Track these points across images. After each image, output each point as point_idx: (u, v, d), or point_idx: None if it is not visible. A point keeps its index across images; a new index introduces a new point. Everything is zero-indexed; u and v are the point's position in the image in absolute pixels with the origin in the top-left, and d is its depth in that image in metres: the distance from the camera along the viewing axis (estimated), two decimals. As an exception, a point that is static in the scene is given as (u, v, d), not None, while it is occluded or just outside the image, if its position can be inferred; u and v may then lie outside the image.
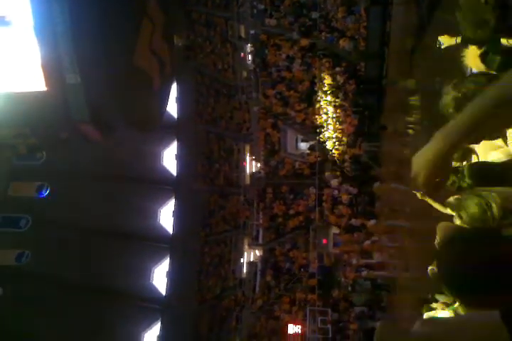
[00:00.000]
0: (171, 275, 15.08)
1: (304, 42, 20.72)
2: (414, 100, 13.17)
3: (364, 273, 17.27)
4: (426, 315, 5.98)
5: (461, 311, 4.68)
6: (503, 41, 2.94)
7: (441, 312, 5.72)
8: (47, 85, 9.16)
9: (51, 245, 14.39)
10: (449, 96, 2.42)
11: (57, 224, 14.54)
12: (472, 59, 3.37)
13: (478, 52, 3.33)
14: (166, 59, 12.28)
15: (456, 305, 5.06)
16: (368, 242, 17.47)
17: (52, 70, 9.07)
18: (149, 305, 15.41)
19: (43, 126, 9.99)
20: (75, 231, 14.63)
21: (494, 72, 2.83)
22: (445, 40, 3.51)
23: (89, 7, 8.67)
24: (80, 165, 14.18)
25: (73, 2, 8.47)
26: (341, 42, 19.91)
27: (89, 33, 8.89)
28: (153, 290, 15.34)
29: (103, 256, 14.38)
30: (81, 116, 9.58)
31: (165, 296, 15.19)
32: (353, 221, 19.29)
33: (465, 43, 3.27)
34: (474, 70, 3.84)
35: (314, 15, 20.26)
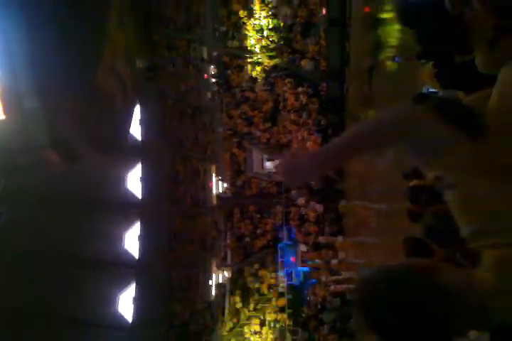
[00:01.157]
0: (138, 301, 14.62)
1: (267, 63, 21.02)
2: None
3: (332, 287, 17.33)
4: None
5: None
6: None
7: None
8: (4, 113, 8.91)
9: (11, 273, 13.84)
10: None
11: (18, 252, 14.00)
12: (428, 76, 3.46)
13: (434, 70, 3.43)
14: (128, 81, 12.20)
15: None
16: (335, 261, 17.57)
17: (10, 97, 8.84)
18: (116, 333, 14.89)
19: (1, 152, 9.69)
20: (37, 258, 14.11)
21: None
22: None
23: (48, 29, 8.54)
24: (41, 191, 13.78)
25: (31, 24, 8.33)
26: (303, 62, 20.29)
27: (48, 56, 8.74)
28: (119, 317, 14.83)
29: (66, 283, 13.87)
30: (41, 141, 9.35)
31: (131, 323, 14.70)
32: (320, 238, 19.38)
33: (421, 60, 3.35)
34: (430, 88, 3.96)
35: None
